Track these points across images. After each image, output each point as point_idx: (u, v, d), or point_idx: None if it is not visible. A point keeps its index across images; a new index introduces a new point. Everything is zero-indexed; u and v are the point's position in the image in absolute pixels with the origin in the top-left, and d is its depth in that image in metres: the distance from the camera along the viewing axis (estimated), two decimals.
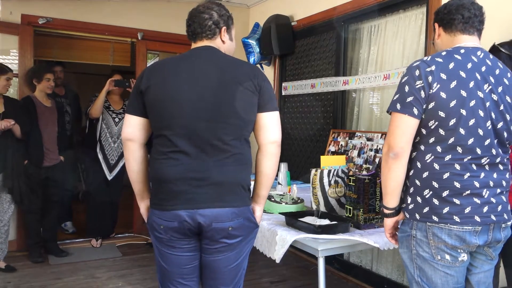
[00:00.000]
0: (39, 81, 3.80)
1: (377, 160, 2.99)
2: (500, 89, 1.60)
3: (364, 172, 2.98)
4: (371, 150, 3.07)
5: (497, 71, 1.62)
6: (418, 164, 1.61)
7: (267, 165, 1.78)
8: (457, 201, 1.54)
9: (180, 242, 1.72)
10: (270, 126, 1.75)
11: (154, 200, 1.74)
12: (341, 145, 3.39)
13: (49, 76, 3.83)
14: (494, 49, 2.18)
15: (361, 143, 3.19)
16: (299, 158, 4.33)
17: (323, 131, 3.97)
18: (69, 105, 4.33)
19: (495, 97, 1.58)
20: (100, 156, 4.18)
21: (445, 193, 1.55)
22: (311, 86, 4.04)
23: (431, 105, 1.54)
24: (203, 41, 1.77)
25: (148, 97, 1.68)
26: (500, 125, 1.59)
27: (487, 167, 1.58)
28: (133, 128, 1.73)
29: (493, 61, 1.63)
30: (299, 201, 2.61)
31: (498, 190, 1.59)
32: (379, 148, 3.01)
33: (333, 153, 3.42)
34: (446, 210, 1.55)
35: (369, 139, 3.15)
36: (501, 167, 1.62)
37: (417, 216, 1.60)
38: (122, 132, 1.76)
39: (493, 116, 1.58)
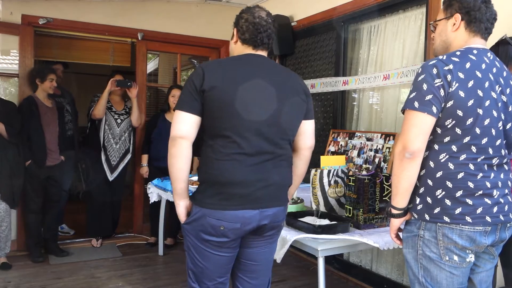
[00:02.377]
0: (43, 81, 3.80)
1: (376, 160, 2.99)
2: (508, 90, 1.61)
3: (364, 172, 2.99)
4: (370, 150, 3.08)
5: (505, 73, 1.63)
6: (431, 164, 1.58)
7: (303, 168, 1.97)
8: (469, 202, 1.53)
9: (231, 243, 1.77)
10: (310, 133, 1.93)
11: (210, 201, 1.72)
12: (341, 145, 3.40)
13: (52, 76, 3.84)
14: (503, 42, 2.14)
15: (361, 143, 3.20)
16: None
17: (323, 131, 3.98)
18: (68, 104, 4.34)
19: (504, 98, 1.59)
20: (102, 157, 4.19)
21: (458, 193, 1.54)
22: (311, 86, 4.05)
23: (449, 103, 1.52)
24: (263, 51, 1.84)
25: (212, 97, 1.68)
26: (509, 126, 1.60)
27: (495, 168, 1.58)
28: (189, 126, 1.71)
29: (500, 63, 1.65)
30: (299, 201, 2.62)
31: (506, 191, 1.60)
32: (379, 148, 3.02)
33: (333, 153, 3.43)
34: (458, 210, 1.54)
35: (368, 139, 3.15)
36: (506, 167, 1.63)
37: (427, 217, 1.58)
38: (175, 129, 1.71)
39: (503, 117, 1.58)
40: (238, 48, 1.86)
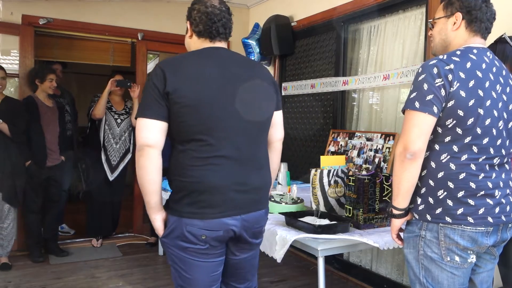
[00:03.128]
0: (42, 81, 3.81)
1: (376, 160, 3.00)
2: (508, 89, 1.61)
3: (364, 172, 2.99)
4: (370, 150, 3.08)
5: (504, 72, 1.64)
6: (433, 164, 1.58)
7: (277, 161, 1.89)
8: (471, 202, 1.53)
9: (215, 249, 1.66)
10: (280, 124, 1.85)
11: (189, 209, 1.60)
12: (341, 145, 3.40)
13: (52, 76, 3.85)
14: (501, 41, 2.14)
15: (361, 143, 3.20)
16: (299, 158, 4.34)
17: (323, 131, 3.98)
18: (68, 104, 4.35)
19: (504, 97, 1.59)
20: (103, 157, 4.19)
21: (460, 194, 1.54)
22: (311, 86, 4.05)
23: (450, 103, 1.51)
24: (221, 42, 1.72)
25: (178, 100, 1.55)
26: (510, 125, 1.61)
27: (496, 168, 1.58)
28: (156, 133, 1.57)
29: (499, 62, 1.65)
30: (299, 201, 2.62)
31: (508, 191, 1.60)
32: (379, 148, 3.02)
33: (333, 153, 3.43)
34: (460, 211, 1.53)
35: (368, 139, 3.16)
36: (507, 167, 1.63)
37: (428, 217, 1.58)
38: (141, 138, 1.57)
39: (505, 116, 1.59)
40: (194, 43, 1.73)
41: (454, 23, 1.64)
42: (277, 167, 1.92)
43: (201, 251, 1.64)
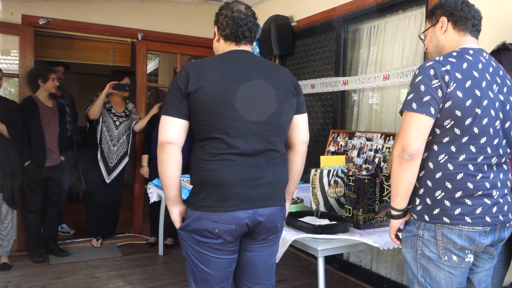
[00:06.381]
0: (45, 81, 3.81)
1: (376, 160, 3.00)
2: (505, 89, 1.62)
3: (364, 172, 2.99)
4: (370, 150, 3.08)
5: (501, 72, 1.65)
6: (430, 165, 1.59)
7: (300, 164, 1.92)
8: (468, 202, 1.54)
9: (228, 245, 1.72)
10: (303, 127, 1.89)
11: (204, 203, 1.69)
12: (341, 145, 3.40)
13: (54, 76, 3.86)
14: (504, 49, 2.14)
15: (361, 143, 3.20)
16: None
17: (323, 131, 3.98)
18: (68, 105, 4.35)
19: (501, 97, 1.60)
20: (100, 159, 4.18)
21: (458, 194, 1.54)
22: (311, 86, 4.05)
23: (448, 104, 1.52)
24: (246, 45, 1.80)
25: (198, 99, 1.65)
26: (507, 124, 1.61)
27: (494, 168, 1.59)
28: (176, 131, 1.67)
29: (496, 63, 1.66)
30: (299, 201, 2.62)
31: (506, 191, 1.61)
32: (379, 148, 3.02)
33: (333, 153, 3.43)
34: (458, 211, 1.54)
35: (368, 139, 3.16)
36: (505, 167, 1.63)
37: (426, 218, 1.59)
38: (162, 135, 1.68)
39: (501, 116, 1.59)
40: (221, 46, 1.81)
41: (442, 27, 1.69)
42: (301, 170, 1.94)
43: (215, 246, 1.70)
